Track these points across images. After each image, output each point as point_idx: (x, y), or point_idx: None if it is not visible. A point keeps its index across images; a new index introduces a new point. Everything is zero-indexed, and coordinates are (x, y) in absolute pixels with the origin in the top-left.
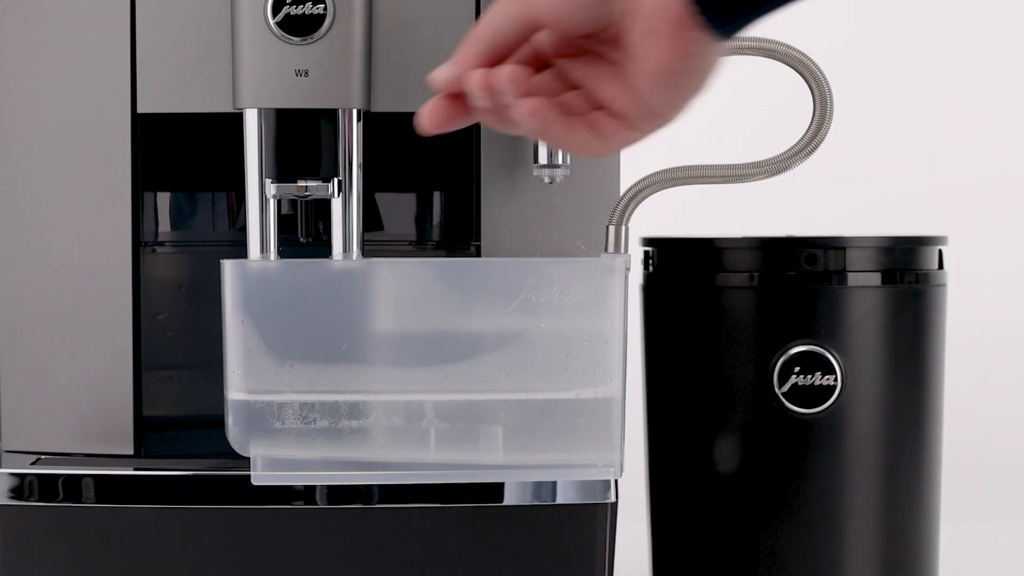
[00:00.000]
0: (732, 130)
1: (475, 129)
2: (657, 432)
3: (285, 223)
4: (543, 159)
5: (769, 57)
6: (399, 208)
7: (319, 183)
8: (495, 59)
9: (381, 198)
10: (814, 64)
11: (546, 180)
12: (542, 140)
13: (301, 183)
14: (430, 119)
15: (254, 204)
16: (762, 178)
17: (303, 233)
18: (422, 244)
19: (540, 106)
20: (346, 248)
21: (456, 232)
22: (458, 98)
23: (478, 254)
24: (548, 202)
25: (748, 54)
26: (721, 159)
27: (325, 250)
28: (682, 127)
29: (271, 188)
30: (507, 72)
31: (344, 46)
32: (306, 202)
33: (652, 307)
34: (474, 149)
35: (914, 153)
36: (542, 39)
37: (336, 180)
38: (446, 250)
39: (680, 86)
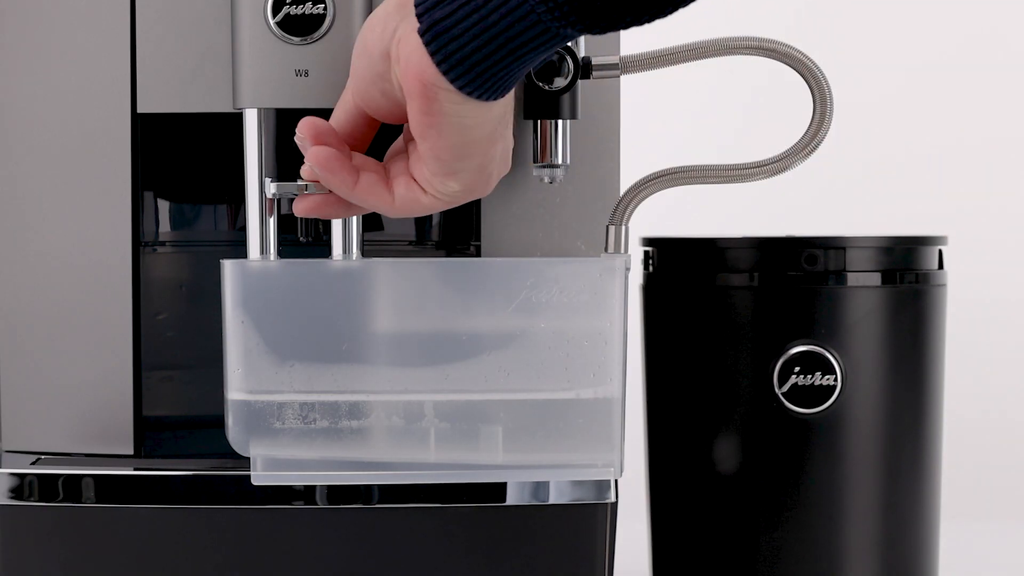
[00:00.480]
0: (731, 130)
1: None
2: (657, 432)
3: (285, 223)
4: (543, 159)
5: (769, 57)
6: None
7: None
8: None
9: None
10: (814, 64)
11: (546, 180)
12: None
13: (301, 182)
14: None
15: (254, 204)
16: (762, 178)
17: (303, 232)
18: (422, 244)
19: (328, 155)
20: (346, 248)
21: (456, 232)
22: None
23: (478, 254)
24: (548, 202)
25: (748, 54)
26: (720, 159)
27: (325, 250)
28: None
29: (271, 187)
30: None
31: (344, 46)
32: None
33: (652, 307)
34: None
35: (914, 153)
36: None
37: None
38: (446, 250)
39: (439, 144)
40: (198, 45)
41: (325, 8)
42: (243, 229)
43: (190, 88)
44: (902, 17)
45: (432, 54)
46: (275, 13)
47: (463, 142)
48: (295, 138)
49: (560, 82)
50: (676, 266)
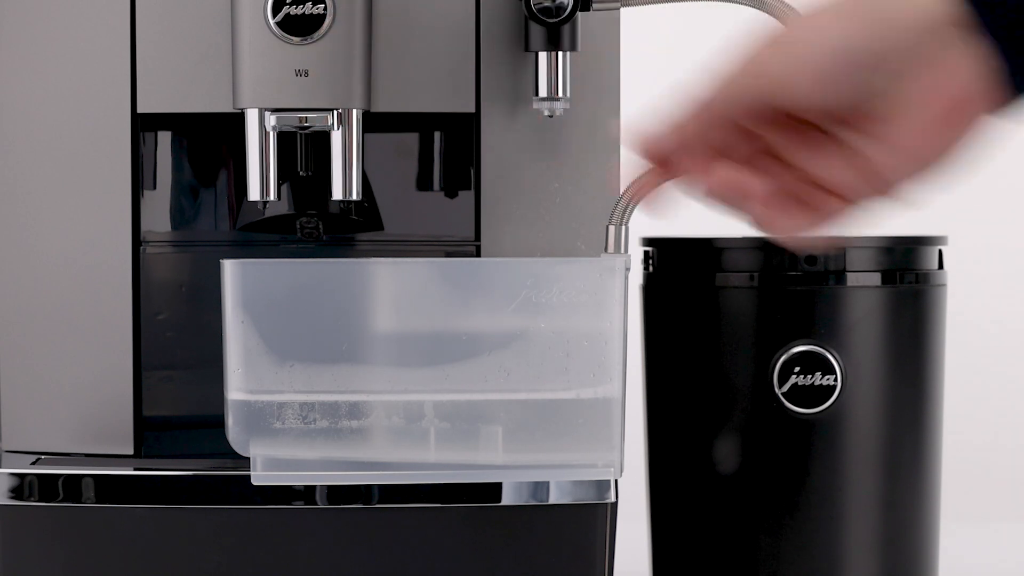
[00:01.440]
0: None
1: (475, 128)
2: (657, 432)
3: (285, 223)
4: (543, 92)
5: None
6: (399, 208)
7: (319, 114)
8: (704, 133)
9: (381, 198)
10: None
11: (546, 113)
12: (760, 228)
13: (301, 115)
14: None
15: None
16: None
17: (302, 167)
18: (422, 244)
19: (773, 201)
20: (346, 187)
21: (456, 232)
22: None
23: (478, 254)
24: (548, 202)
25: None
26: None
27: (325, 250)
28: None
29: (271, 119)
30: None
31: (344, 46)
32: (305, 144)
33: (652, 307)
34: (475, 149)
35: None
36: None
37: (336, 112)
38: (446, 250)
39: (940, 167)
40: (198, 45)
41: (325, 8)
42: (243, 229)
43: (190, 88)
44: None
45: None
46: (275, 13)
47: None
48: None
49: (560, 13)
50: (676, 266)
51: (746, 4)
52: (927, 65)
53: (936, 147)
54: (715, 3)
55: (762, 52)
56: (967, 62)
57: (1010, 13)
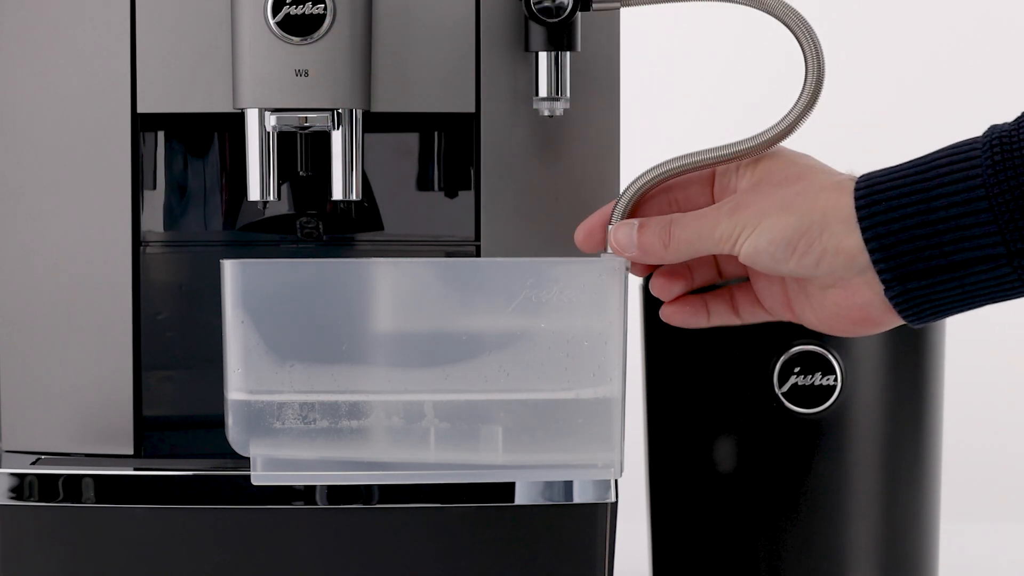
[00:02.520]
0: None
1: (475, 128)
2: (657, 432)
3: (284, 223)
4: (543, 92)
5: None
6: (399, 208)
7: (319, 114)
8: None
9: (381, 198)
10: (804, 24)
11: (546, 113)
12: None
13: (301, 115)
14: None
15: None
16: (766, 147)
17: (302, 167)
18: (422, 244)
19: (677, 313)
20: (346, 187)
21: (456, 232)
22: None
23: (478, 254)
24: (548, 202)
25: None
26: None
27: (325, 250)
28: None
29: (271, 119)
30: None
31: (344, 46)
32: (305, 144)
33: (652, 307)
34: (475, 149)
35: (914, 153)
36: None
37: (336, 112)
38: (446, 250)
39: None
40: (198, 45)
41: (325, 8)
42: (243, 229)
43: (190, 88)
44: (904, 17)
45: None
46: (275, 13)
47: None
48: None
49: (560, 13)
50: None
51: (746, 4)
52: (843, 286)
53: (851, 331)
54: (715, 4)
55: (722, 215)
56: (872, 289)
57: (901, 260)
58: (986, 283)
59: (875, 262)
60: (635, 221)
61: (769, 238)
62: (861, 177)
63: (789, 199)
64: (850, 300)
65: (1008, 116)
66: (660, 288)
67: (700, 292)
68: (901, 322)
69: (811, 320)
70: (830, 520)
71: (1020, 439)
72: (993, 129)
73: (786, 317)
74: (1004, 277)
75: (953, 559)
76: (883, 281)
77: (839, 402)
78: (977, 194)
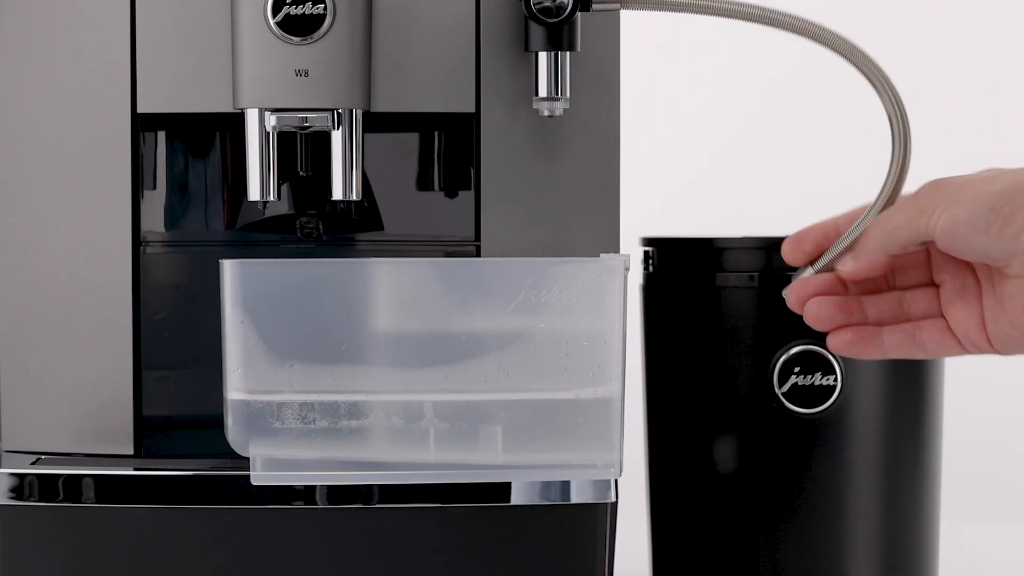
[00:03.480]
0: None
1: (475, 128)
2: (657, 432)
3: (283, 223)
4: (543, 92)
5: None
6: (399, 208)
7: (319, 114)
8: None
9: (381, 198)
10: (893, 89)
11: (546, 113)
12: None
13: (301, 115)
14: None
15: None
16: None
17: (302, 167)
18: (422, 244)
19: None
20: (346, 187)
21: (456, 232)
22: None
23: (478, 254)
24: (548, 202)
25: (742, 19)
26: (720, 158)
27: (325, 250)
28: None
29: (271, 119)
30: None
31: (344, 46)
32: (305, 144)
33: (652, 307)
34: (475, 149)
35: (914, 153)
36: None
37: (336, 112)
38: (446, 250)
39: None
40: (198, 45)
41: (325, 8)
42: (243, 229)
43: (190, 88)
44: (904, 19)
45: None
46: (275, 13)
47: None
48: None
49: (560, 13)
50: (676, 266)
51: (756, 21)
52: None
53: None
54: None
55: (922, 195)
56: None
57: None
58: None
59: None
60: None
61: (971, 207)
62: None
63: (987, 175)
64: None
65: (1010, 116)
66: (820, 311)
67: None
68: None
69: (1007, 333)
70: (830, 520)
71: (1020, 439)
72: None
73: (980, 344)
74: None
75: (953, 559)
76: None
77: (839, 402)
78: None
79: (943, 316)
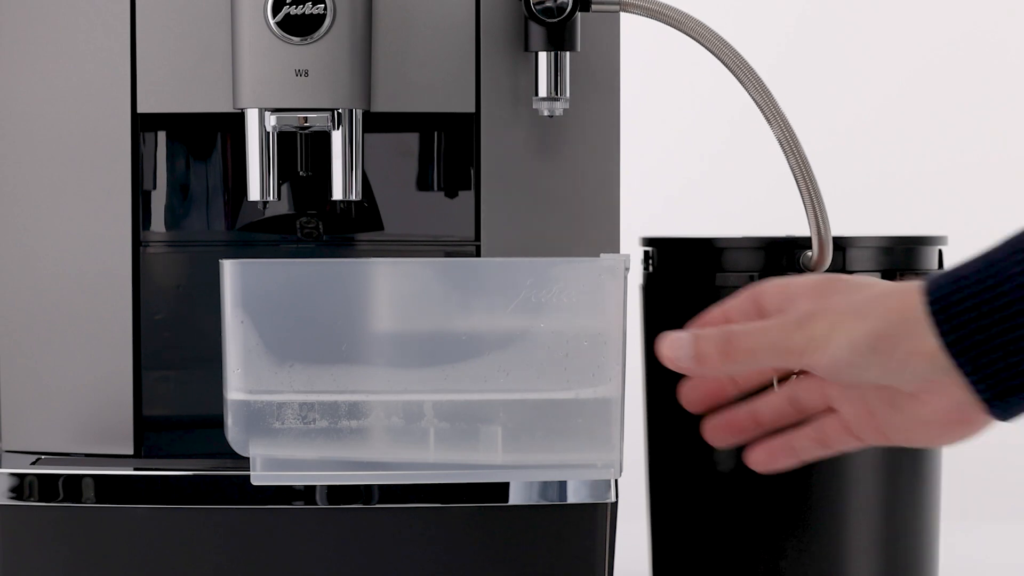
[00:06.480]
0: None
1: (475, 128)
2: (657, 432)
3: (283, 223)
4: (543, 92)
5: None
6: (399, 208)
7: (319, 114)
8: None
9: (381, 198)
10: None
11: (546, 113)
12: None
13: (301, 115)
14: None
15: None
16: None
17: (302, 167)
18: (422, 244)
19: (770, 456)
20: (346, 187)
21: (456, 232)
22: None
23: (478, 254)
24: (548, 202)
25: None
26: (719, 159)
27: (325, 250)
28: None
29: (271, 119)
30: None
31: (344, 46)
32: (305, 144)
33: (652, 307)
34: (475, 149)
35: (914, 153)
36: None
37: (336, 112)
38: (446, 250)
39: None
40: (198, 45)
41: (325, 8)
42: (243, 229)
43: (190, 88)
44: (902, 18)
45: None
46: (275, 13)
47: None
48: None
49: (560, 13)
50: (676, 266)
51: (744, 82)
52: (932, 388)
53: (948, 436)
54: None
55: (794, 330)
56: (959, 389)
57: (987, 356)
58: None
59: (968, 375)
60: (689, 332)
61: (850, 347)
62: (929, 284)
63: (860, 305)
64: (941, 403)
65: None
66: (691, 393)
67: (780, 431)
68: (994, 422)
69: (904, 436)
70: (830, 520)
71: (1020, 439)
72: None
73: (879, 441)
74: None
75: (953, 559)
76: (983, 399)
77: None
78: None
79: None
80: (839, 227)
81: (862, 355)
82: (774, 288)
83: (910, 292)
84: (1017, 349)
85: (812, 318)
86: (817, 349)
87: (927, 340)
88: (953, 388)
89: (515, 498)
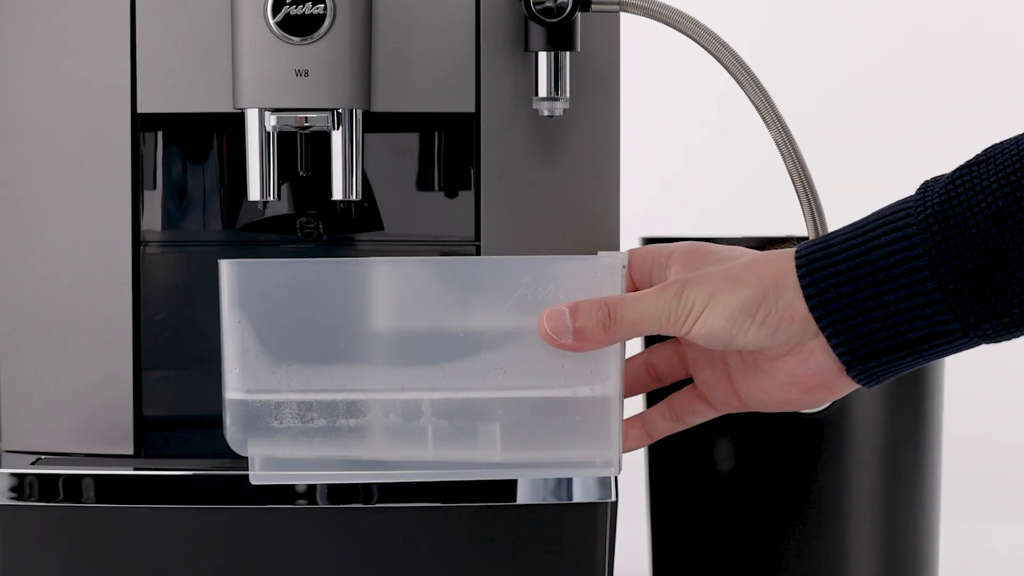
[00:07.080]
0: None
1: (475, 128)
2: None
3: (283, 223)
4: (543, 92)
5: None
6: (399, 208)
7: (319, 114)
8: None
9: (381, 198)
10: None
11: (545, 113)
12: None
13: (301, 115)
14: None
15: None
16: None
17: (302, 167)
18: (421, 243)
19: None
20: (346, 187)
21: (456, 232)
22: None
23: (478, 253)
24: (547, 201)
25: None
26: (717, 158)
27: (325, 250)
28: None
29: (271, 119)
30: None
31: (344, 46)
32: (305, 144)
33: None
34: (475, 149)
35: (914, 152)
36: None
37: (336, 112)
38: (446, 250)
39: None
40: (198, 45)
41: (325, 8)
42: (242, 229)
43: (190, 88)
44: (898, 15)
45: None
46: (275, 13)
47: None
48: None
49: (560, 13)
50: None
51: (743, 83)
52: (797, 352)
53: (804, 401)
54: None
55: (671, 297)
56: (828, 354)
57: (849, 321)
58: (944, 350)
59: (829, 339)
60: (567, 305)
61: (726, 314)
62: (800, 248)
63: (735, 272)
64: (804, 366)
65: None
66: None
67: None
68: (855, 387)
69: (760, 399)
70: (830, 519)
71: (1020, 439)
72: (926, 199)
73: (733, 406)
74: (963, 345)
75: (953, 559)
76: (844, 362)
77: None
78: (923, 275)
79: (691, 378)
80: (837, 227)
81: (738, 323)
82: (642, 255)
83: (785, 258)
84: (879, 316)
85: (688, 286)
86: (690, 319)
87: (799, 304)
88: (818, 351)
89: (514, 497)
